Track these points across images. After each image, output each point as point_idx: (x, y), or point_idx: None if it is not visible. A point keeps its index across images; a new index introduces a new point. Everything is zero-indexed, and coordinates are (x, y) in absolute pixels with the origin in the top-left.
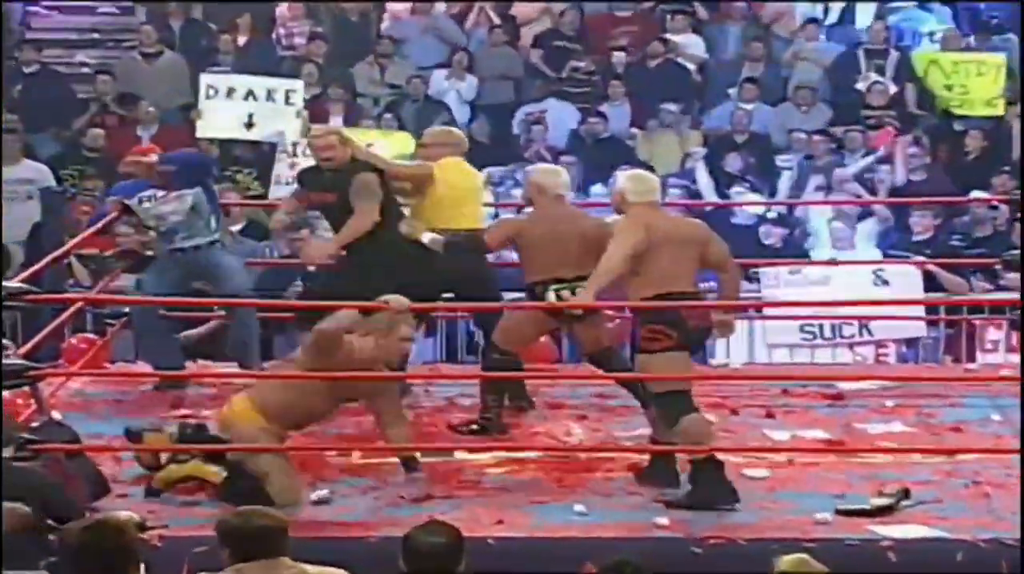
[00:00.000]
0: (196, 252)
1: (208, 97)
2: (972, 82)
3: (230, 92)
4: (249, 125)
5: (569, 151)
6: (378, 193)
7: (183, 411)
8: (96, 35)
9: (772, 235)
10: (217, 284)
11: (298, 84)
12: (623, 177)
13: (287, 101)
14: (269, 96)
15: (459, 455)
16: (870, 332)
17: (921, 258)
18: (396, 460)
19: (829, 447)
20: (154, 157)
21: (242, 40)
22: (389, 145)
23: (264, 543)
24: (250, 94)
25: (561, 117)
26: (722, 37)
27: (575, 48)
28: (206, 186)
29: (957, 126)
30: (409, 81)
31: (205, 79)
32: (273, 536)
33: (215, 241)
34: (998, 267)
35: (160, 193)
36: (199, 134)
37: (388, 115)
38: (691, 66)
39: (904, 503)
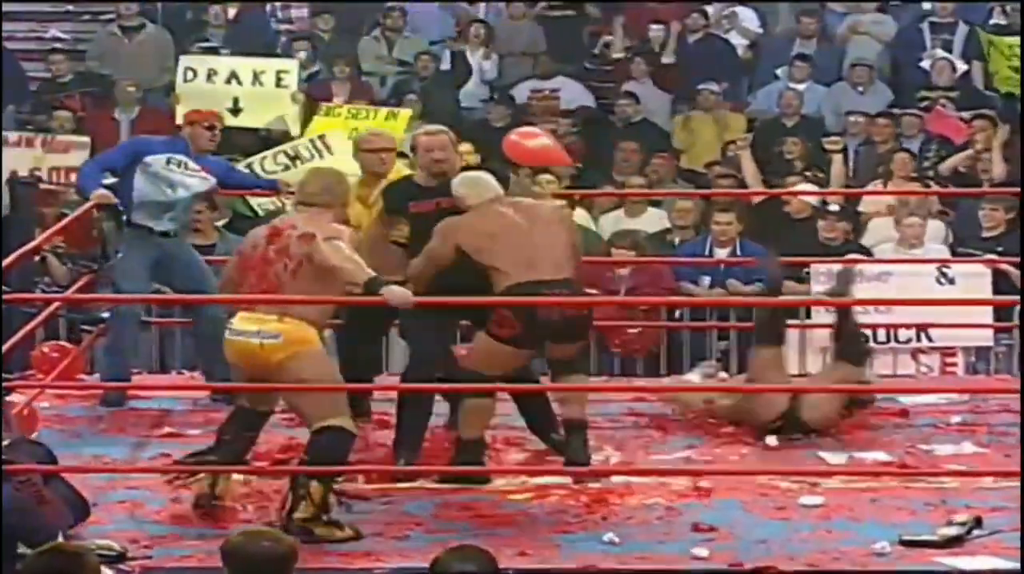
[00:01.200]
0: (171, 238)
1: (186, 80)
2: None
3: (211, 75)
4: (235, 111)
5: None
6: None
7: (166, 430)
8: (70, 7)
9: (833, 230)
10: (189, 273)
11: (291, 64)
12: (456, 183)
13: (278, 83)
14: (256, 79)
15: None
16: (930, 338)
17: (992, 256)
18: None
19: (890, 470)
20: (222, 122)
21: (232, 12)
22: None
23: (269, 567)
24: (233, 76)
25: (571, 97)
26: (771, 10)
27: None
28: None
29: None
30: (418, 58)
31: (183, 60)
32: (278, 561)
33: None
34: None
35: (192, 164)
36: (179, 121)
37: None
38: (742, 42)
39: (975, 532)
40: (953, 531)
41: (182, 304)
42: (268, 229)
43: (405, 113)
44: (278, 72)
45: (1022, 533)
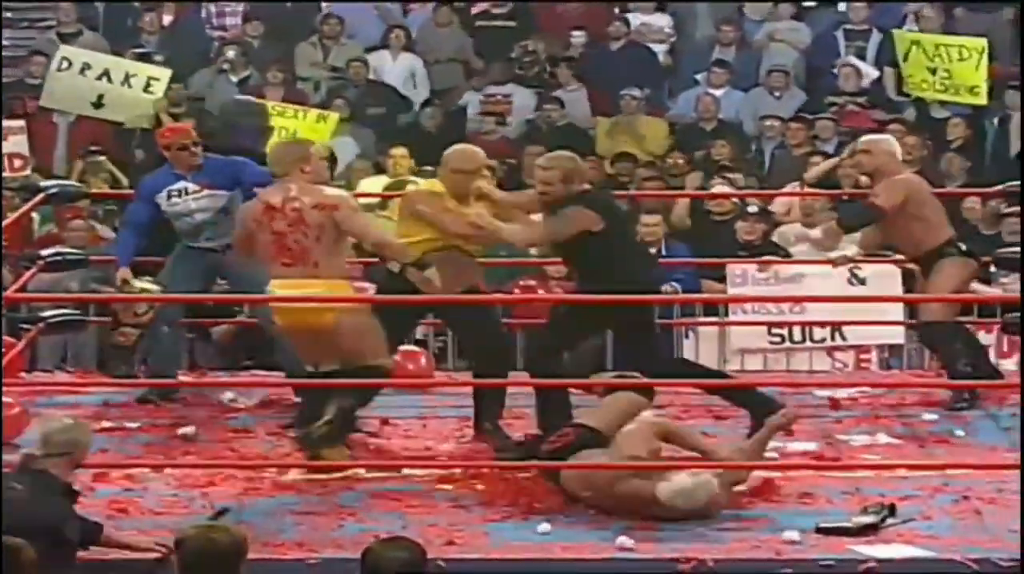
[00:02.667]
0: (220, 254)
1: (59, 69)
2: (955, 67)
3: (84, 69)
4: (98, 105)
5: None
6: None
7: (104, 424)
8: (9, 14)
9: (751, 232)
10: (239, 286)
11: (164, 73)
12: None
13: (146, 88)
14: (126, 80)
15: (406, 471)
16: (843, 337)
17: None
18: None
19: (809, 463)
20: (191, 137)
21: (168, 19)
22: (319, 129)
23: (219, 560)
24: (105, 74)
25: (522, 103)
26: (690, 17)
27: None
28: (242, 186)
29: (935, 114)
30: (349, 64)
31: (61, 51)
32: (228, 554)
33: None
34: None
35: (192, 187)
36: (42, 102)
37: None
38: (659, 48)
39: (889, 521)
40: (867, 519)
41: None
42: (261, 205)
43: (333, 117)
44: (149, 78)
45: (1022, 526)
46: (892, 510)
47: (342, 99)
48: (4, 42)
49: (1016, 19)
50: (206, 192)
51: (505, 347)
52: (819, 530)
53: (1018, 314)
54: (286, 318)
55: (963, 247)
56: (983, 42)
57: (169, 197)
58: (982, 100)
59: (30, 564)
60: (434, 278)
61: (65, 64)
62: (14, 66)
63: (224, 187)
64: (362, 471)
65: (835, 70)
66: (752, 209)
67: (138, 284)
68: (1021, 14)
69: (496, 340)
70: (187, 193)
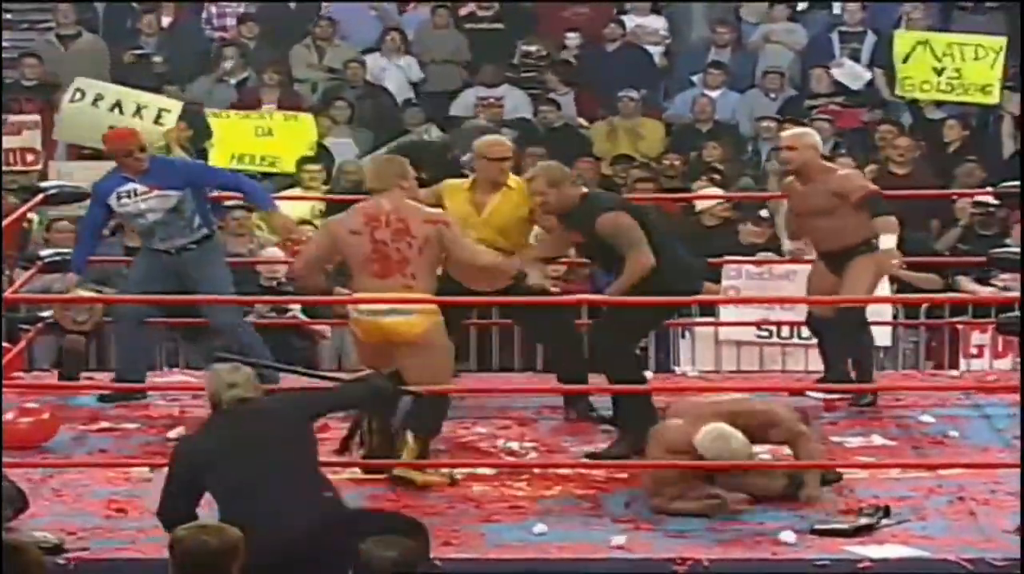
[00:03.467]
0: (177, 254)
1: (72, 100)
2: (967, 66)
3: (96, 100)
4: None
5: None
6: (637, 230)
7: (102, 424)
8: (8, 16)
9: (760, 235)
10: (197, 288)
11: (175, 104)
12: None
13: (156, 120)
14: (137, 111)
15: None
16: None
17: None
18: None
19: (803, 463)
20: (137, 143)
21: (167, 20)
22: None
23: (212, 560)
24: (117, 105)
25: (515, 105)
26: (686, 20)
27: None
28: (196, 187)
29: (930, 115)
30: (347, 65)
31: (76, 82)
32: (222, 555)
33: (199, 241)
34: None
35: (141, 188)
36: (55, 136)
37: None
38: (654, 50)
39: (884, 522)
40: (863, 521)
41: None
42: (363, 215)
43: (305, 117)
44: (160, 110)
45: (1021, 525)
46: (887, 512)
47: (343, 101)
48: (4, 43)
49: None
50: (155, 193)
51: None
52: (814, 531)
53: (1012, 314)
54: (366, 328)
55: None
56: (1002, 41)
57: (119, 198)
58: (994, 99)
59: (36, 565)
60: (543, 280)
61: (78, 95)
62: (12, 67)
63: (174, 187)
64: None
65: (833, 71)
66: (764, 214)
67: (83, 292)
68: (1021, 14)
69: (575, 338)
70: (136, 194)
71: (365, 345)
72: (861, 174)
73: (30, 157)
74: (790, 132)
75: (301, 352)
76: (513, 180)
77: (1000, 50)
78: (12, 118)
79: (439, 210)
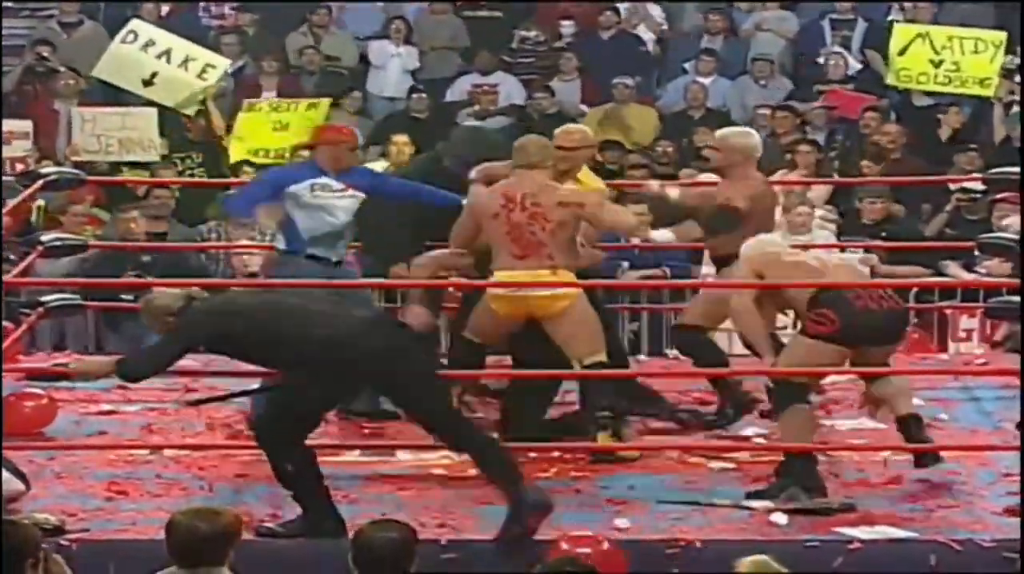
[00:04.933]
0: (335, 266)
1: (124, 41)
2: (966, 59)
3: (147, 45)
4: (148, 83)
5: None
6: None
7: (103, 407)
8: (8, 3)
9: None
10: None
11: (223, 62)
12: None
13: (200, 74)
14: (184, 62)
15: (400, 455)
16: None
17: (877, 242)
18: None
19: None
20: (355, 141)
21: (166, 8)
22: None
23: (206, 545)
24: (166, 53)
25: (508, 92)
26: (679, 7)
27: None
28: (375, 194)
29: (918, 103)
30: (345, 53)
31: (132, 24)
32: (220, 537)
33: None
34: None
35: (337, 185)
36: (94, 73)
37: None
38: (648, 37)
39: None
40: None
41: None
42: (501, 197)
43: (324, 103)
44: (206, 64)
45: (1022, 514)
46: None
47: (357, 91)
48: (4, 31)
49: None
50: (350, 192)
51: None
52: (800, 511)
53: (1007, 298)
54: (512, 304)
55: None
56: (1002, 35)
57: (312, 189)
58: (991, 92)
59: (31, 541)
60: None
61: (131, 37)
62: (13, 55)
63: (362, 190)
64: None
65: (820, 59)
66: None
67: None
68: (1022, 12)
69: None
70: (333, 189)
71: (505, 320)
72: (756, 187)
73: (19, 167)
74: (723, 131)
75: None
76: (585, 174)
77: (1000, 44)
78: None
79: (574, 189)
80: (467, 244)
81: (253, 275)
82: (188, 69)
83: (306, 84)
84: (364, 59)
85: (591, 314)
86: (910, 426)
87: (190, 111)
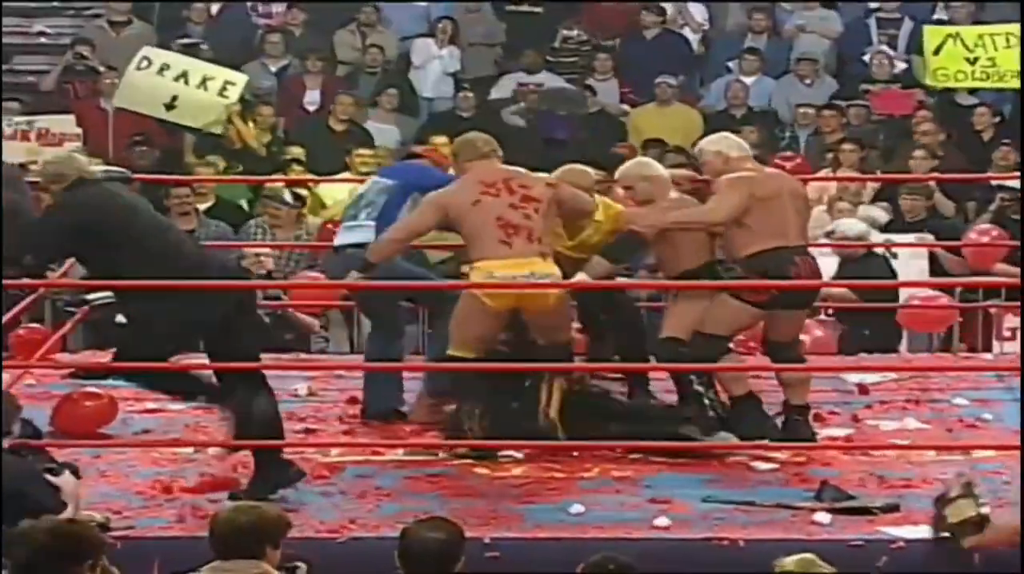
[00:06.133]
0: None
1: (138, 68)
2: (1000, 54)
3: (163, 69)
4: (170, 107)
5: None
6: None
7: (147, 405)
8: (56, 3)
9: None
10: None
11: (240, 78)
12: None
13: (221, 92)
14: (203, 83)
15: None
16: None
17: (929, 238)
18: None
19: (834, 445)
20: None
21: (215, 8)
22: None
23: (246, 540)
24: (183, 76)
25: None
26: (722, 7)
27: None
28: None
29: (961, 101)
30: (388, 52)
31: (143, 51)
32: (252, 535)
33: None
34: None
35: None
36: (115, 102)
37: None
38: (692, 37)
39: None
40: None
41: None
42: (479, 184)
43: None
44: (226, 82)
45: (1022, 513)
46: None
47: (394, 88)
48: (48, 30)
49: None
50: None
51: None
52: (844, 511)
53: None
54: (504, 301)
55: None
56: None
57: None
58: (1018, 84)
59: (95, 542)
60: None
61: (145, 63)
62: (58, 54)
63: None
64: None
65: (865, 58)
66: None
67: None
68: (1022, 12)
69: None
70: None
71: (492, 314)
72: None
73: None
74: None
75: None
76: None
77: None
78: (55, 130)
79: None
80: (413, 237)
81: (268, 275)
82: (208, 88)
83: (353, 82)
84: (406, 58)
85: (569, 312)
86: (794, 417)
87: (217, 130)
